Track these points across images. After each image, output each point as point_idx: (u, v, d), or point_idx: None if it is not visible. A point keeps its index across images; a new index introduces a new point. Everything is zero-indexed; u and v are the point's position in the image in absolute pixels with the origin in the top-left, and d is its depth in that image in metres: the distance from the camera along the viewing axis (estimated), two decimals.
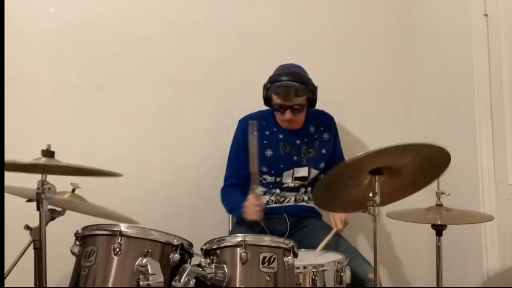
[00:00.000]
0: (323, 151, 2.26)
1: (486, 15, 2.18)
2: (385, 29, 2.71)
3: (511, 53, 2.05)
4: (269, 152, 2.21)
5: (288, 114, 2.12)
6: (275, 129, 2.24)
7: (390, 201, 1.69)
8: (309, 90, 2.10)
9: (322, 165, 2.26)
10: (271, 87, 2.11)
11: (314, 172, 2.25)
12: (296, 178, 2.23)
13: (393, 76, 2.71)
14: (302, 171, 2.23)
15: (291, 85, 2.05)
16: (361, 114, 2.65)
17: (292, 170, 2.22)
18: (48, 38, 2.36)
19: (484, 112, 2.18)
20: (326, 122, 2.30)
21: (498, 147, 2.14)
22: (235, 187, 2.20)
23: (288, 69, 2.13)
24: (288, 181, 2.23)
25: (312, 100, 2.15)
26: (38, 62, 2.35)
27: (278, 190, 2.24)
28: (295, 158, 2.23)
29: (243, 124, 2.24)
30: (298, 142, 2.23)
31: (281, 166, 2.22)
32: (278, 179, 2.23)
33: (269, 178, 2.23)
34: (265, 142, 2.22)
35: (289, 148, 2.22)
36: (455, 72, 2.37)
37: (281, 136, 2.23)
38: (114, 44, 2.42)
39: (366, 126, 2.65)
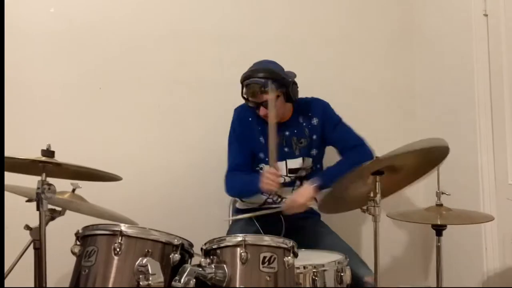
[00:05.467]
0: (314, 137, 2.20)
1: (486, 15, 2.18)
2: (385, 29, 2.71)
3: (511, 53, 2.05)
4: (262, 140, 2.19)
5: (262, 111, 2.06)
6: (263, 120, 2.20)
7: (391, 192, 1.73)
8: (280, 84, 2.04)
9: (314, 151, 2.21)
10: (242, 86, 2.10)
11: (308, 161, 2.21)
12: (290, 171, 2.19)
13: (394, 76, 2.71)
14: (296, 163, 2.19)
15: (256, 82, 2.02)
16: (361, 114, 2.65)
17: (284, 162, 2.19)
18: (48, 38, 2.35)
19: (484, 112, 2.18)
20: (313, 107, 2.24)
21: (498, 147, 2.14)
22: (239, 172, 2.21)
23: (258, 65, 2.09)
24: (283, 173, 2.18)
25: (288, 94, 2.09)
26: (38, 62, 2.35)
27: None
28: (286, 149, 2.19)
29: (237, 112, 2.27)
30: (287, 133, 2.20)
31: None
32: None
33: (266, 167, 2.18)
34: (259, 128, 2.19)
35: (279, 139, 2.17)
36: (455, 72, 2.37)
37: None
38: (114, 44, 2.42)
39: (366, 126, 2.63)
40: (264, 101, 2.04)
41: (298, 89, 2.16)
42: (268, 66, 2.08)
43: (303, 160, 2.20)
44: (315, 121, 2.22)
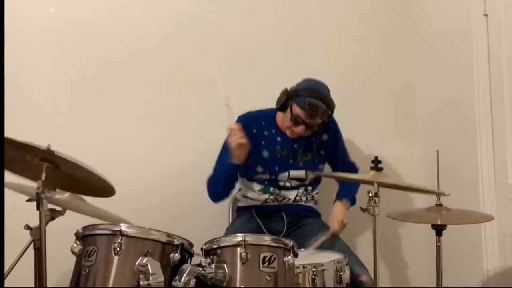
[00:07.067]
0: (322, 152, 2.24)
1: (486, 15, 2.18)
2: (385, 29, 2.71)
3: (511, 53, 2.05)
4: (265, 153, 2.20)
5: (301, 129, 2.08)
6: (273, 131, 2.21)
7: None
8: (330, 114, 2.10)
9: (321, 166, 2.25)
10: (298, 98, 2.03)
11: (312, 175, 2.23)
12: (292, 179, 2.21)
13: (393, 76, 2.71)
14: (298, 173, 2.21)
15: (320, 106, 2.02)
16: (361, 114, 2.65)
17: (287, 172, 2.20)
18: (48, 38, 2.36)
19: (484, 112, 2.18)
20: (326, 124, 2.23)
21: (498, 147, 2.14)
22: None
23: (319, 88, 2.08)
24: (283, 179, 2.21)
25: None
26: (38, 62, 2.35)
27: (277, 190, 2.21)
28: (291, 161, 2.21)
29: (240, 123, 2.21)
30: (295, 146, 2.20)
31: (276, 168, 2.20)
32: (273, 177, 2.21)
33: (264, 176, 2.21)
34: (263, 142, 2.20)
35: (286, 152, 2.20)
36: (455, 72, 2.37)
37: (279, 139, 2.20)
38: (114, 44, 2.42)
39: (366, 126, 2.65)
40: (312, 124, 2.07)
41: None
42: (328, 93, 2.08)
43: (306, 173, 2.22)
44: (324, 136, 2.25)
